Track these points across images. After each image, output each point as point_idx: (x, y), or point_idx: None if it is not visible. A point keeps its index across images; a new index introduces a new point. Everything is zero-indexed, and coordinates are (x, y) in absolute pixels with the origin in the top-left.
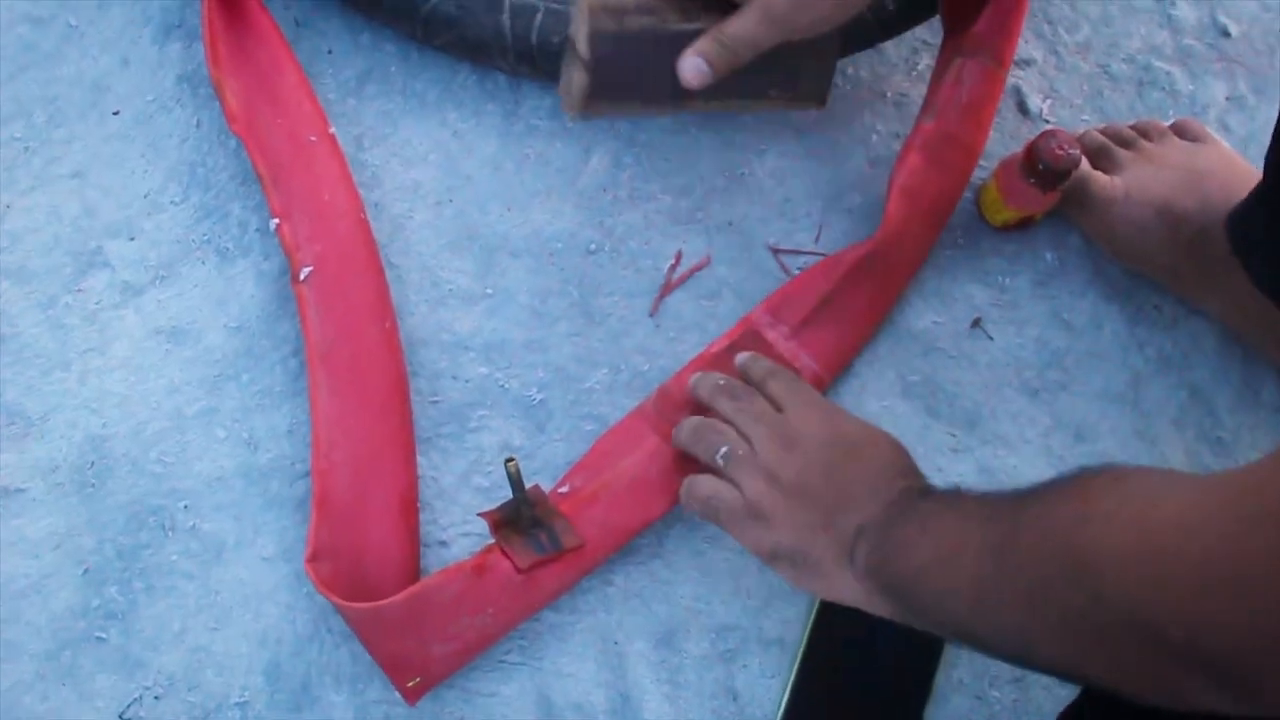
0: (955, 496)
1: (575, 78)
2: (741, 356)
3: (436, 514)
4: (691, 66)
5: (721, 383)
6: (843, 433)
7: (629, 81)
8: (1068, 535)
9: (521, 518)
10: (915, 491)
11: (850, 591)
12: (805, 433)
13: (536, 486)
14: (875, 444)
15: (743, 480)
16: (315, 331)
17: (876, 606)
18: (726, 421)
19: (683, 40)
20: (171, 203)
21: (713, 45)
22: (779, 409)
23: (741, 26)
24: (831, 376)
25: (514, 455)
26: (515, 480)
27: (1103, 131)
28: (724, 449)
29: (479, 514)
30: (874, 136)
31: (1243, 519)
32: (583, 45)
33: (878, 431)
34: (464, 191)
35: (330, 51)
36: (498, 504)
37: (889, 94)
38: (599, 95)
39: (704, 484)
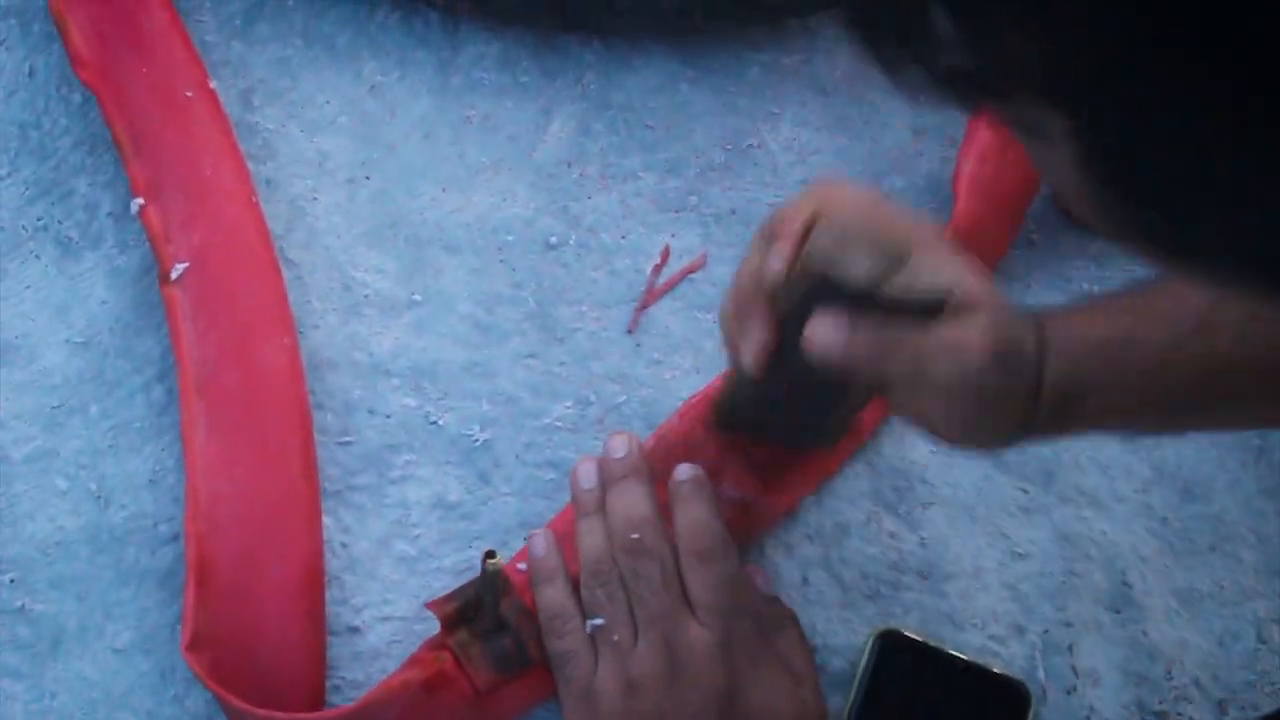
0: None
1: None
2: (683, 477)
3: (347, 591)
4: (831, 329)
5: (635, 536)
6: (737, 692)
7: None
8: None
9: (484, 615)
10: None
11: None
12: (697, 673)
13: (501, 570)
14: None
15: (601, 663)
16: (191, 350)
17: None
18: (623, 583)
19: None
20: None
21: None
22: (690, 602)
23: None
24: (876, 421)
25: (495, 550)
26: (493, 584)
27: None
28: (599, 621)
29: (428, 605)
30: (921, 97)
31: None
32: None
33: (789, 699)
34: (385, 166)
35: None
36: (449, 591)
37: None
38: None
39: (569, 635)
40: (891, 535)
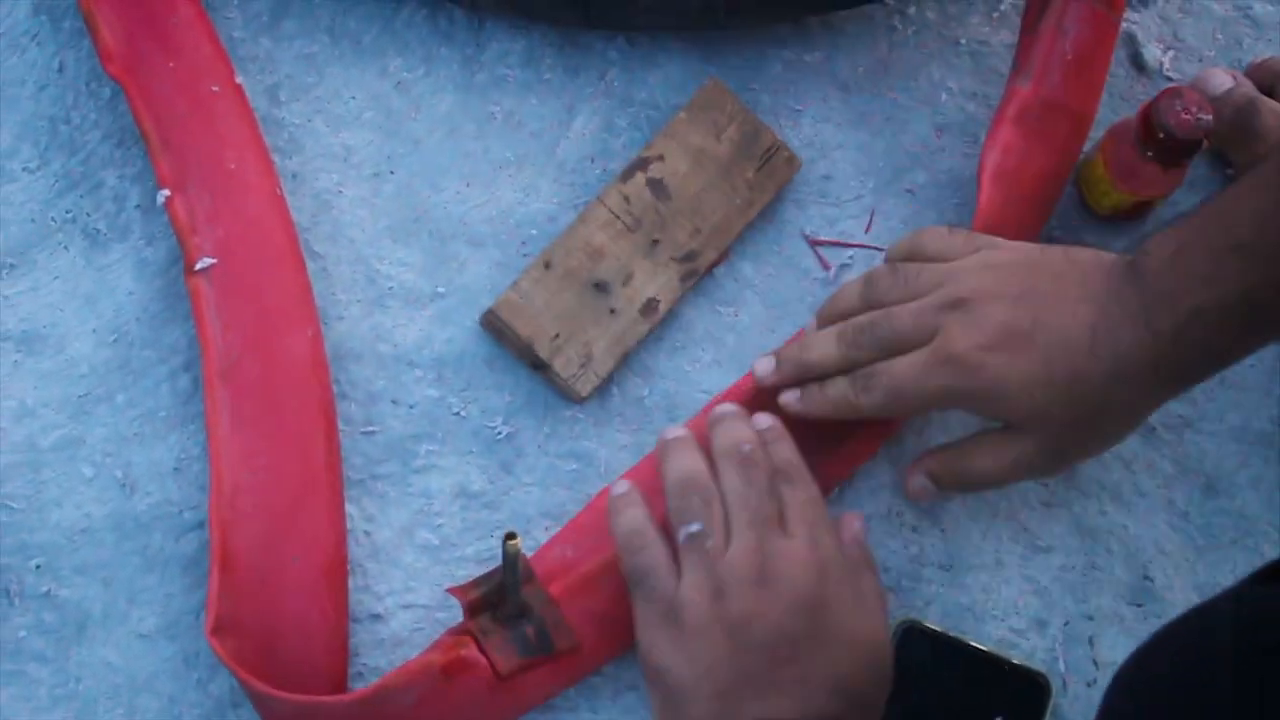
0: None
1: None
2: (766, 424)
3: (370, 579)
4: (918, 486)
5: (746, 448)
6: (824, 602)
7: None
8: None
9: (507, 602)
10: None
11: None
12: (788, 578)
13: (524, 558)
14: (854, 641)
15: (688, 573)
16: (216, 341)
17: None
18: (722, 495)
19: None
20: (24, 170)
21: (945, 470)
22: (783, 525)
23: (990, 463)
24: (886, 436)
25: (515, 532)
26: (513, 566)
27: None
28: (695, 527)
29: (450, 590)
30: (943, 96)
31: None
32: None
33: (869, 622)
34: (409, 160)
35: None
36: (473, 578)
37: (963, 41)
38: None
39: (650, 548)
40: (913, 529)
